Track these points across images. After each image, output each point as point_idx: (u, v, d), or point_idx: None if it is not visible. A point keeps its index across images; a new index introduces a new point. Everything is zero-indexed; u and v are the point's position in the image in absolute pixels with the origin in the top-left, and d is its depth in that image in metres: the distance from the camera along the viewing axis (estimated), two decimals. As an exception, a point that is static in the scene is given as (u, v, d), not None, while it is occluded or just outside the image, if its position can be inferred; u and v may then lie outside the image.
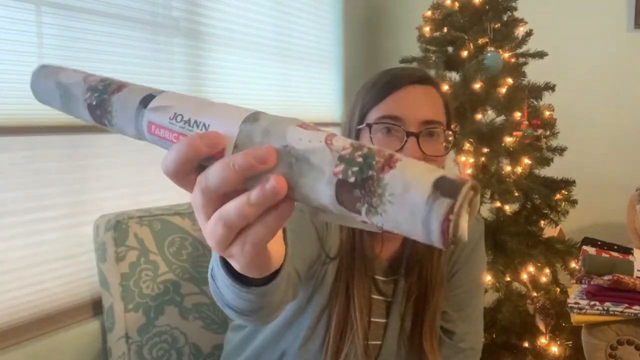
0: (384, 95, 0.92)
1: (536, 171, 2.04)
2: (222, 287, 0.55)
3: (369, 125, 0.91)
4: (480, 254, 1.06)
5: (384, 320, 0.99)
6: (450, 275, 1.02)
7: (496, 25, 2.04)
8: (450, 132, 0.94)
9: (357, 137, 0.93)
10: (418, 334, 0.97)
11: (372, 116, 0.92)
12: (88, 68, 1.57)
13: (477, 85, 1.94)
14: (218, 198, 0.37)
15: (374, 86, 0.95)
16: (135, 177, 1.64)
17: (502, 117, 2.05)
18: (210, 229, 0.38)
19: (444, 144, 0.93)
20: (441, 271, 0.98)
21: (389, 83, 0.93)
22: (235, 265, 0.41)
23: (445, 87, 2.03)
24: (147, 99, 0.44)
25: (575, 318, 1.60)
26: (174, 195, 1.73)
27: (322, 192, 0.36)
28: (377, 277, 0.99)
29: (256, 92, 2.19)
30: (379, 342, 0.98)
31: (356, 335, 0.92)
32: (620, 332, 1.55)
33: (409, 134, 0.88)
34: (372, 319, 0.98)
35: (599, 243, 1.74)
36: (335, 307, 0.93)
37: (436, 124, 0.91)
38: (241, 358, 1.04)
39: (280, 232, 0.46)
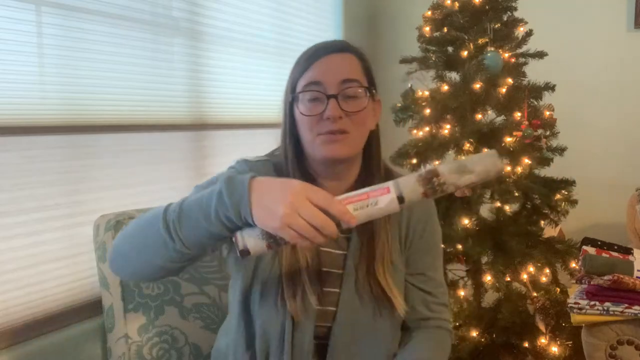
0: (307, 66, 1.04)
1: (536, 171, 2.04)
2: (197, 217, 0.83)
3: (295, 97, 1.03)
4: (436, 224, 1.18)
5: (340, 271, 1.07)
6: (410, 241, 1.13)
7: (496, 25, 2.04)
8: (370, 90, 1.05)
9: (291, 109, 1.05)
10: (373, 276, 1.06)
11: (299, 85, 1.04)
12: (88, 68, 1.58)
13: (477, 85, 1.94)
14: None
15: (300, 59, 1.06)
16: (135, 177, 1.64)
17: (502, 117, 2.05)
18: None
19: (365, 100, 1.03)
20: (384, 220, 1.07)
21: (311, 55, 1.05)
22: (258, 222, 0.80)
23: (445, 88, 2.03)
24: None
25: (575, 318, 1.60)
26: (173, 195, 1.73)
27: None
28: None
29: (256, 92, 2.19)
30: (338, 290, 1.06)
31: (306, 282, 1.02)
32: (620, 332, 1.55)
33: (329, 97, 1.00)
34: (330, 270, 1.07)
35: (599, 243, 1.74)
36: (283, 258, 1.02)
37: (353, 82, 1.02)
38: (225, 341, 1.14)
39: None
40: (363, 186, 0.99)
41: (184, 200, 0.87)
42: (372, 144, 1.09)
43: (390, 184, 0.83)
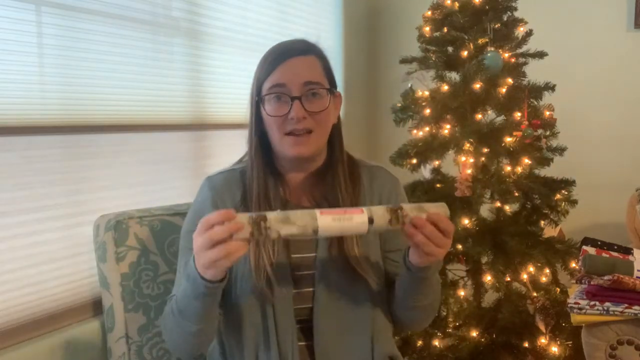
0: (272, 68, 1.10)
1: (536, 171, 2.04)
2: (189, 303, 1.01)
3: (262, 97, 1.10)
4: (403, 196, 1.27)
5: (313, 254, 1.15)
6: None
7: (496, 25, 2.04)
8: (330, 90, 1.13)
9: (258, 108, 1.13)
10: (343, 254, 1.12)
11: (265, 87, 1.11)
12: (88, 68, 1.57)
13: (477, 85, 1.94)
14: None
15: (265, 61, 1.13)
16: (135, 177, 1.64)
17: (502, 117, 2.04)
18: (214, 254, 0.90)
19: (326, 100, 1.11)
20: (350, 201, 1.15)
21: (275, 58, 1.11)
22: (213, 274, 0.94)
23: (445, 88, 2.03)
24: None
25: (575, 318, 1.60)
26: (173, 195, 1.73)
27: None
28: None
29: (256, 92, 2.18)
30: (313, 271, 1.14)
31: (267, 270, 1.08)
32: (620, 332, 1.55)
33: (293, 98, 1.08)
34: (303, 255, 1.15)
35: (599, 243, 1.74)
36: (250, 252, 1.08)
37: (315, 84, 1.10)
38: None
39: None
40: (324, 174, 1.18)
41: (177, 300, 1.06)
42: (334, 136, 1.17)
43: (364, 208, 0.96)
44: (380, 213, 0.96)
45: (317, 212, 0.93)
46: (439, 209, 1.01)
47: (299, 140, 1.09)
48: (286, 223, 0.90)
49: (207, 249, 0.89)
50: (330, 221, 0.92)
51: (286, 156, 1.12)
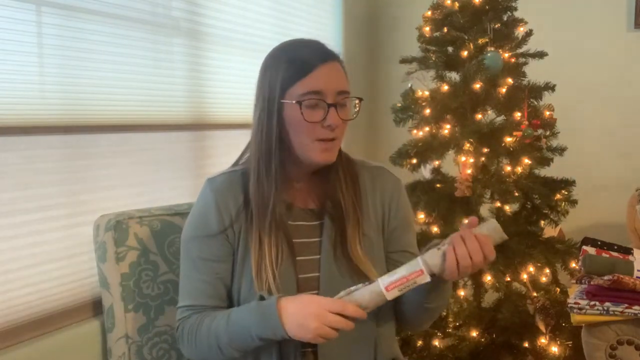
0: (304, 73, 1.09)
1: (536, 171, 2.04)
2: (252, 341, 1.06)
3: (299, 102, 1.09)
4: (405, 198, 1.28)
5: (317, 257, 1.16)
6: (388, 220, 1.22)
7: (496, 25, 2.04)
8: (357, 100, 1.20)
9: (280, 108, 1.11)
10: (347, 254, 1.15)
11: (297, 91, 1.09)
12: (88, 68, 1.57)
13: (477, 85, 1.94)
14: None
15: (293, 63, 1.11)
16: (135, 177, 1.64)
17: (502, 117, 2.05)
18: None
19: (352, 108, 1.18)
20: (352, 201, 1.17)
21: (306, 62, 1.10)
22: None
23: (445, 88, 2.03)
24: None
25: (575, 318, 1.60)
26: (173, 195, 1.73)
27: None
28: (302, 222, 1.17)
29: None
30: (317, 274, 1.15)
31: (268, 276, 1.10)
32: (620, 332, 1.55)
33: (329, 105, 1.09)
34: (307, 257, 1.17)
35: (599, 243, 1.74)
36: (253, 260, 1.11)
37: (346, 94, 1.14)
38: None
39: None
40: (326, 175, 1.17)
41: (229, 333, 1.07)
42: None
43: (420, 264, 1.03)
44: (439, 264, 1.03)
45: (383, 289, 1.02)
46: (495, 238, 1.11)
47: (328, 146, 1.11)
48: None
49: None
50: (397, 292, 1.03)
51: (311, 162, 1.12)
